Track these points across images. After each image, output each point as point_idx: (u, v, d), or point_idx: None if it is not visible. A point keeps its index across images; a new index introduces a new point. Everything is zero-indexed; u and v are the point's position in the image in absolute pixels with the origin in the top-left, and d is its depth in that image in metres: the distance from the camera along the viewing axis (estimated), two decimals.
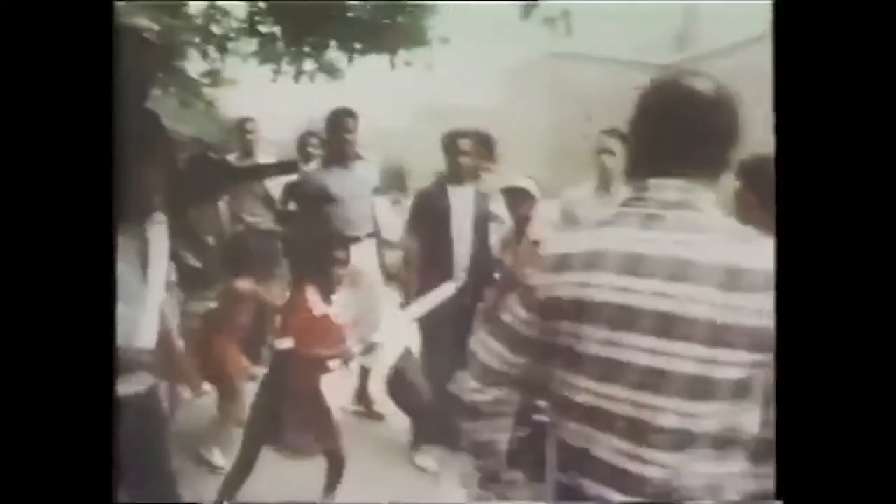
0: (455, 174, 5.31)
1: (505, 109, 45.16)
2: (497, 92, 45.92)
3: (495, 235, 5.38)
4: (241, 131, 6.51)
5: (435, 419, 4.96)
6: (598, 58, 40.12)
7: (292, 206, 6.28)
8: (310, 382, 4.06)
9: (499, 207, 5.34)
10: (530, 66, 42.94)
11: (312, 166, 6.14)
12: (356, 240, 5.64)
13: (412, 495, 4.65)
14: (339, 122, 5.68)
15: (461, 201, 5.28)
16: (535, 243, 4.97)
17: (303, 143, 6.35)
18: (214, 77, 6.61)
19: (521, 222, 4.93)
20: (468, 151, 5.29)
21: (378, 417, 5.97)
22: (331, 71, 6.54)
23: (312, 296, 4.11)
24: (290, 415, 3.93)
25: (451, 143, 5.34)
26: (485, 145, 5.54)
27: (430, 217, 5.31)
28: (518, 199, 4.92)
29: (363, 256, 5.70)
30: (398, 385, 5.06)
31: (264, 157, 6.55)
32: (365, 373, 6.08)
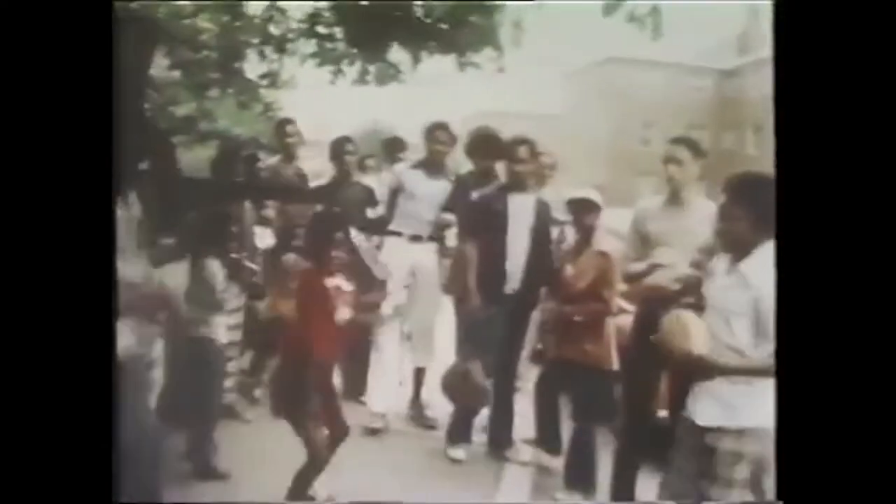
0: (515, 181, 5.33)
1: (566, 115, 45.06)
2: (559, 97, 45.79)
3: (556, 245, 5.42)
4: (281, 134, 6.49)
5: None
6: (657, 62, 39.69)
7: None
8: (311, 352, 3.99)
9: (559, 216, 5.38)
10: (591, 71, 42.72)
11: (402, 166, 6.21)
12: (418, 238, 5.81)
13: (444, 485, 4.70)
14: (433, 134, 5.83)
15: (519, 209, 5.31)
16: (603, 254, 4.97)
17: (338, 148, 6.31)
18: (272, 78, 6.60)
19: (587, 232, 4.91)
20: (525, 159, 5.33)
21: (430, 426, 5.92)
22: (394, 74, 6.49)
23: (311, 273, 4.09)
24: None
25: (510, 150, 5.39)
26: (531, 151, 5.53)
27: (485, 223, 5.35)
28: (583, 209, 4.90)
29: (422, 258, 5.84)
30: (460, 386, 5.13)
31: (307, 161, 6.61)
32: (419, 375, 6.09)
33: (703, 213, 4.10)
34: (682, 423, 3.33)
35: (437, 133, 5.80)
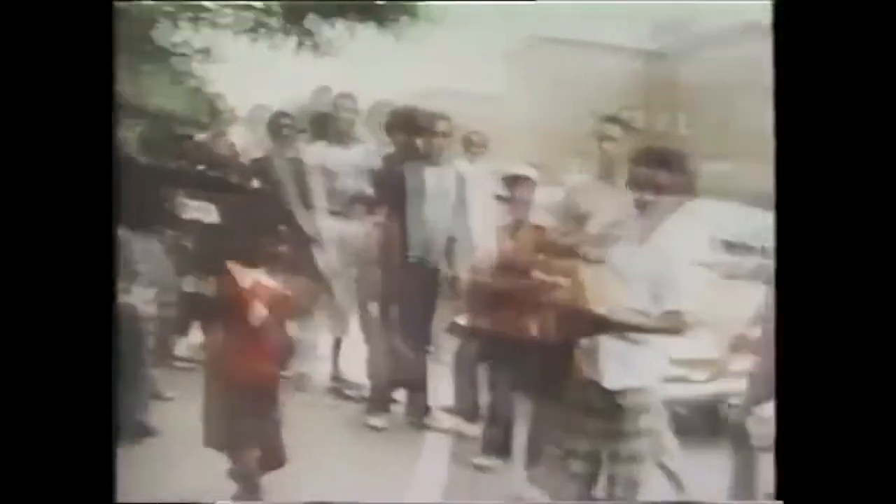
0: (431, 155, 5.47)
1: (498, 94, 45.14)
2: (491, 76, 45.95)
3: (490, 220, 5.58)
4: (211, 109, 6.45)
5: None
6: (592, 43, 40.12)
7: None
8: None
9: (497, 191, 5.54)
10: (525, 51, 42.97)
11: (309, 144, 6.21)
12: (337, 213, 5.93)
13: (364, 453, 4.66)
14: (341, 105, 5.91)
15: (437, 182, 5.48)
16: (538, 228, 5.14)
17: (275, 123, 6.30)
18: (205, 54, 6.55)
19: (522, 207, 5.10)
20: (447, 133, 5.50)
21: (350, 396, 6.01)
22: (328, 48, 6.52)
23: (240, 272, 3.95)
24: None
25: (429, 125, 5.52)
26: (449, 126, 5.66)
27: (403, 197, 5.50)
28: (518, 185, 5.08)
29: (344, 232, 5.96)
30: (385, 361, 5.28)
31: (238, 136, 6.59)
32: (338, 345, 6.21)
33: None
34: (590, 387, 3.54)
35: (345, 102, 5.84)
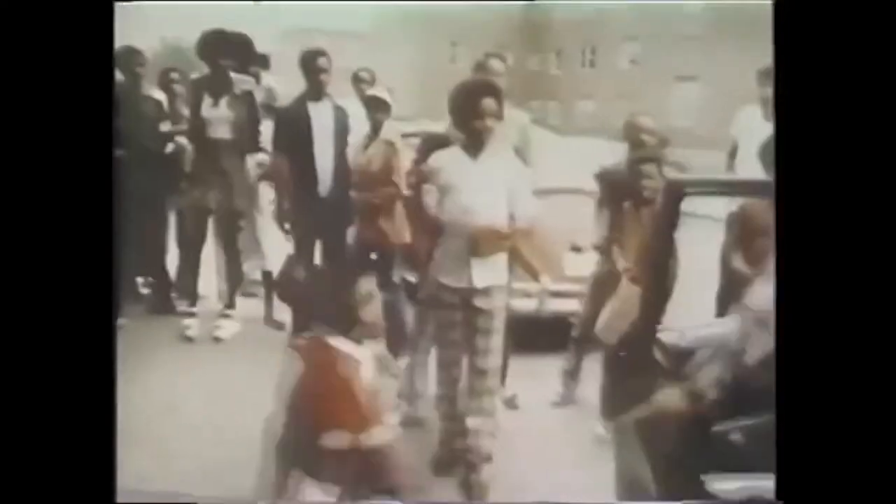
0: (314, 91, 5.71)
1: (374, 33, 44.81)
2: (365, 17, 45.38)
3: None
4: None
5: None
6: None
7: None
8: None
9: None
10: None
11: None
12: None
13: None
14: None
15: (320, 115, 5.73)
16: (389, 143, 5.54)
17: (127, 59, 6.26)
18: None
19: (377, 125, 5.51)
20: (326, 69, 5.72)
21: (280, 327, 6.28)
22: None
23: None
24: None
25: (309, 62, 5.77)
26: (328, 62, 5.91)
27: (292, 132, 5.71)
28: (374, 106, 5.51)
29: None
30: (287, 286, 5.57)
31: None
32: (267, 278, 6.43)
33: (514, 122, 4.72)
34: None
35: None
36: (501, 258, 3.99)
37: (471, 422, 4.01)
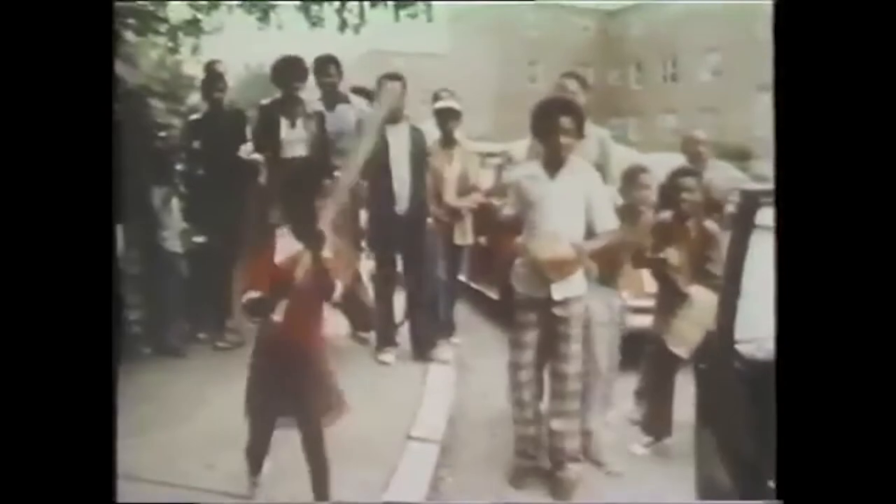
0: (391, 115, 5.92)
1: (453, 54, 45.32)
2: (444, 38, 45.89)
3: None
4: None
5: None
6: (541, 3, 40.42)
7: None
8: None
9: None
10: (476, 12, 43.02)
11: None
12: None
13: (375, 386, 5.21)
14: (325, 69, 6.20)
15: (397, 138, 5.94)
16: (476, 154, 5.79)
17: (209, 84, 6.42)
18: (196, 25, 6.82)
19: (449, 135, 5.78)
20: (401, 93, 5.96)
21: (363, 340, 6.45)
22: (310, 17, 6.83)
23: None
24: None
25: (383, 87, 6.00)
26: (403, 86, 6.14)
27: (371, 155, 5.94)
28: (445, 116, 5.83)
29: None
30: (351, 306, 5.83)
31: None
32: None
33: (593, 139, 4.79)
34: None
35: (330, 67, 6.19)
36: (578, 274, 4.10)
37: (555, 423, 4.09)
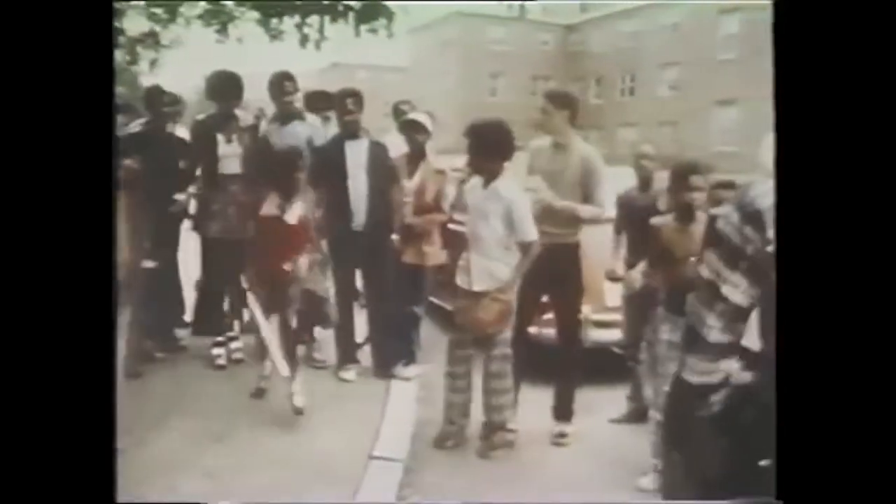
0: (348, 130, 5.88)
1: (414, 67, 45.43)
2: (405, 51, 45.97)
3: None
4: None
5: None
6: (502, 17, 40.65)
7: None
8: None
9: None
10: (437, 25, 43.19)
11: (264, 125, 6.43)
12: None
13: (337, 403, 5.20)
14: (280, 85, 6.13)
15: (355, 153, 5.89)
16: (440, 171, 5.74)
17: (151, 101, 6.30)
18: (155, 38, 6.75)
19: (418, 149, 5.77)
20: (353, 109, 5.92)
21: (321, 366, 6.37)
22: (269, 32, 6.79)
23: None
24: None
25: (341, 102, 5.96)
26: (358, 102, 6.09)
27: (326, 170, 5.87)
28: (412, 129, 5.80)
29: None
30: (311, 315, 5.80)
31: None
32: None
33: (580, 155, 4.91)
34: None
35: (285, 84, 6.12)
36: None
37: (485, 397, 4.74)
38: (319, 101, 6.37)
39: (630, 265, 4.81)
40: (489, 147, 4.58)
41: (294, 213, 4.87)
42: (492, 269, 4.58)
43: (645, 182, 5.10)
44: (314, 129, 5.99)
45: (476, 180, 4.72)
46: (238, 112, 5.97)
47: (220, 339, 5.95)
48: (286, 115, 6.03)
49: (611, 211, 5.15)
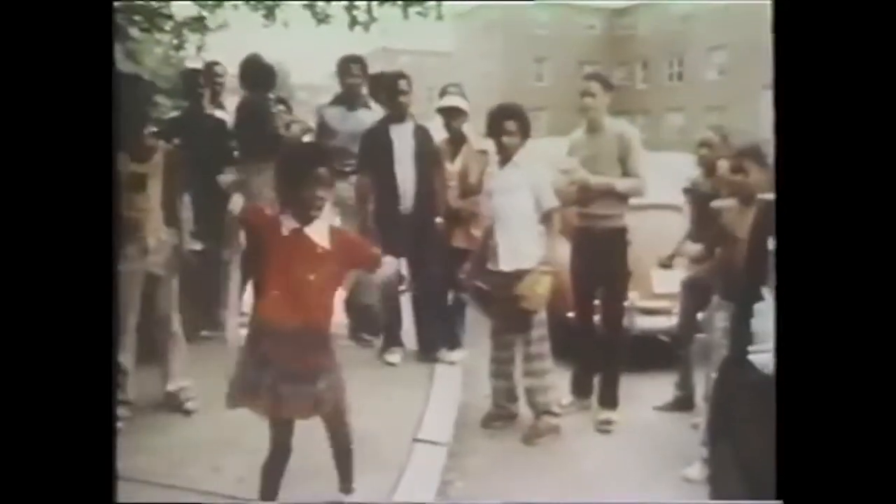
0: (396, 114, 5.85)
1: (458, 52, 45.28)
2: (449, 35, 45.80)
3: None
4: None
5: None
6: (547, 3, 40.28)
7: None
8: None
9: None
10: (480, 11, 42.96)
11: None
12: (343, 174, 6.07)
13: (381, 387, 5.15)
14: (347, 68, 6.14)
15: (401, 137, 5.86)
16: (483, 152, 5.70)
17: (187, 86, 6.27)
18: (201, 22, 6.79)
19: (457, 133, 5.77)
20: (406, 91, 5.87)
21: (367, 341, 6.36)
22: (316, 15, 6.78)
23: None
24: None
25: (391, 84, 5.94)
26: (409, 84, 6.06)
27: (373, 154, 5.85)
28: (451, 114, 5.79)
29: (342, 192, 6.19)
30: (355, 308, 5.77)
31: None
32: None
33: (614, 133, 4.88)
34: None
35: (351, 67, 6.14)
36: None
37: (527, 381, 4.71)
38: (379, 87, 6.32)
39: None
40: (507, 124, 4.67)
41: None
42: (520, 247, 4.57)
43: (710, 170, 4.95)
44: (374, 118, 5.99)
45: (495, 161, 4.87)
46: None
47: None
48: (353, 101, 6.05)
49: (676, 199, 5.15)
